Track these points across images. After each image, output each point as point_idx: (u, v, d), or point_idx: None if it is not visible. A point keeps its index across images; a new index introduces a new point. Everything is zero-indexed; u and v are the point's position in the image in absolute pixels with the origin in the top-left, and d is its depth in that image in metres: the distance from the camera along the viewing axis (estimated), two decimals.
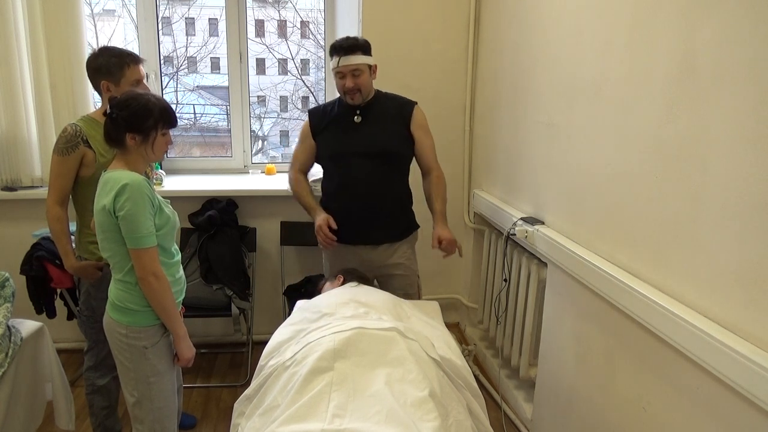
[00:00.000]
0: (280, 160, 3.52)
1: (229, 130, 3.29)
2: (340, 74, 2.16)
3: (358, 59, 2.12)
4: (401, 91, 2.37)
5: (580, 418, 1.95)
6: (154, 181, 2.93)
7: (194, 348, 1.80)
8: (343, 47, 2.13)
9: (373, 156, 2.21)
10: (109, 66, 1.92)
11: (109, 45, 2.03)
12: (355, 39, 2.15)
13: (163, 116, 1.65)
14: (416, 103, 2.30)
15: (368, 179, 2.22)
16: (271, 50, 3.73)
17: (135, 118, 1.60)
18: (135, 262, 1.61)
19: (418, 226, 2.40)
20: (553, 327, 2.15)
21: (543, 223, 2.22)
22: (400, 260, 2.31)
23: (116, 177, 1.58)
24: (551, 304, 2.15)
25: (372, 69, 2.20)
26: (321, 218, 2.19)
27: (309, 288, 2.90)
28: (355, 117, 2.23)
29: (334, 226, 2.18)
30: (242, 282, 2.76)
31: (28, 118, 2.70)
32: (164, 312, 1.67)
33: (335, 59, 2.14)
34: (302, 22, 3.70)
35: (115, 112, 1.60)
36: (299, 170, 2.37)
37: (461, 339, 3.20)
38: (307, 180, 2.41)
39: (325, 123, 2.29)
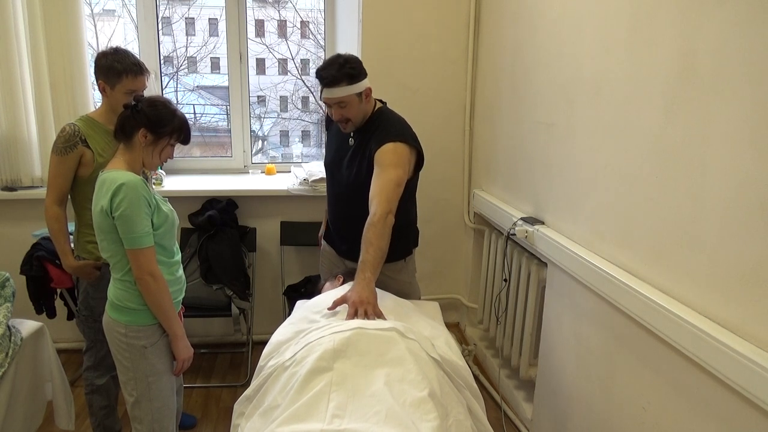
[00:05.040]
0: (280, 160, 3.53)
1: (229, 130, 3.29)
2: (326, 103, 2.00)
3: (342, 91, 1.91)
4: (401, 91, 2.34)
5: (580, 417, 1.95)
6: (154, 181, 2.93)
7: (192, 349, 1.80)
8: (325, 79, 1.92)
9: (349, 185, 2.09)
10: (110, 69, 1.91)
11: (122, 48, 1.96)
12: (339, 66, 1.91)
13: (181, 129, 1.71)
14: (394, 140, 1.94)
15: (347, 203, 2.13)
16: (271, 50, 3.73)
17: (158, 117, 1.65)
18: (132, 262, 1.62)
19: (403, 256, 2.15)
20: (553, 327, 2.14)
21: (543, 223, 2.22)
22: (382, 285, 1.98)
23: (113, 177, 1.59)
24: (551, 304, 2.15)
25: (363, 94, 1.97)
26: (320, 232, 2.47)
27: (309, 288, 2.90)
28: (350, 139, 2.10)
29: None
30: (242, 282, 2.76)
31: (28, 118, 2.70)
32: (161, 312, 1.68)
33: (320, 88, 1.96)
34: (302, 22, 3.70)
35: (141, 105, 1.65)
36: None
37: (461, 339, 3.20)
38: None
39: (332, 129, 2.23)
